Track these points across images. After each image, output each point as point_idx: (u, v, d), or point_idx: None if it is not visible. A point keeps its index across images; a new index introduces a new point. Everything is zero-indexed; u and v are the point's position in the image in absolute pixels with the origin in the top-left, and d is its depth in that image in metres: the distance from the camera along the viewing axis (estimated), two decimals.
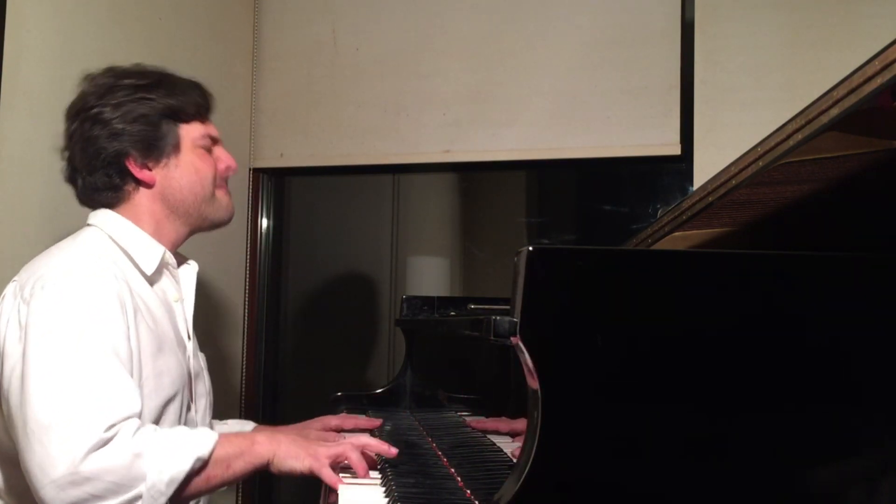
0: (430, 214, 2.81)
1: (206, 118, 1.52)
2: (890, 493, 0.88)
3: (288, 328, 2.87)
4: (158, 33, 2.25)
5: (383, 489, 1.22)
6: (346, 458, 1.29)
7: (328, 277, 2.85)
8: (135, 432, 1.17)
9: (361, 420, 1.75)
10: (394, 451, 1.32)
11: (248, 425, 1.73)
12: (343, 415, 1.74)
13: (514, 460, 0.97)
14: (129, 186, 1.44)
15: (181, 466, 1.17)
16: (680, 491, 0.87)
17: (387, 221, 2.80)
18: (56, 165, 1.85)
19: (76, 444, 1.12)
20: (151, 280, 1.43)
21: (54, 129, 1.84)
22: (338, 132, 2.71)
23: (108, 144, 1.40)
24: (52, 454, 1.12)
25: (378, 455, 1.35)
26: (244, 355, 2.72)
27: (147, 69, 1.51)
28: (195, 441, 1.21)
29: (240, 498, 2.69)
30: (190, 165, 1.46)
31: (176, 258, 1.52)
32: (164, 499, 1.16)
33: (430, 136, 2.62)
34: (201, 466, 1.20)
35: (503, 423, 1.51)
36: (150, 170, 1.43)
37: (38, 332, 1.21)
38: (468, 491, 1.18)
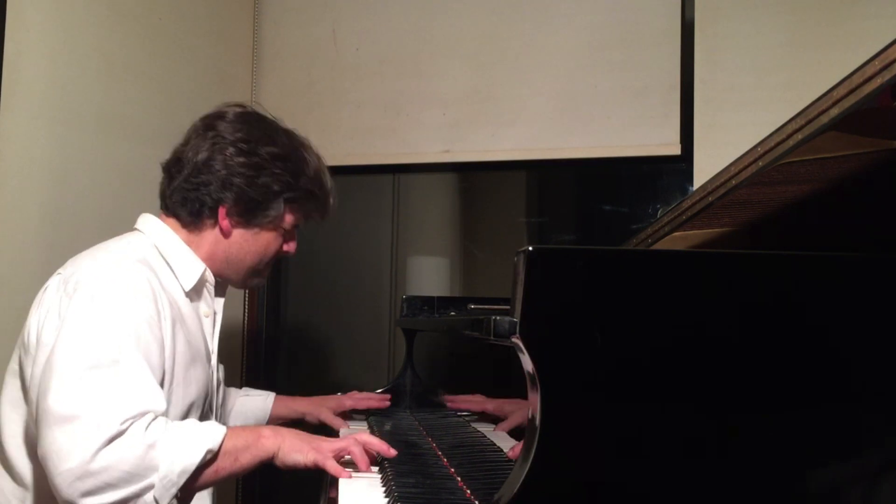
0: (430, 214, 2.81)
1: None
2: (890, 493, 0.88)
3: (288, 328, 2.87)
4: (158, 33, 2.25)
5: (383, 489, 1.22)
6: (348, 453, 1.33)
7: (328, 277, 2.84)
8: (148, 425, 1.19)
9: (374, 400, 1.84)
10: (392, 451, 1.35)
11: (270, 396, 1.83)
12: (353, 393, 1.80)
13: (515, 460, 0.97)
14: (209, 222, 1.46)
15: (193, 458, 1.20)
16: (680, 491, 0.87)
17: (387, 221, 2.80)
18: (56, 166, 1.85)
19: (89, 439, 1.14)
20: (189, 294, 1.45)
21: (54, 129, 1.85)
22: (338, 132, 2.72)
23: (216, 185, 1.43)
24: (66, 446, 1.15)
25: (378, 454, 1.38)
26: (244, 355, 2.72)
27: (297, 138, 1.53)
28: (206, 434, 1.24)
29: (240, 498, 2.69)
30: (265, 241, 1.50)
31: (219, 289, 1.55)
32: (175, 489, 1.18)
33: (430, 136, 2.62)
34: (211, 459, 1.23)
35: (476, 403, 1.53)
36: (233, 226, 1.46)
37: (70, 326, 1.23)
38: (468, 491, 1.18)
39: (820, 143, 0.89)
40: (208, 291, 1.50)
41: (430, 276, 2.78)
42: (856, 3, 2.16)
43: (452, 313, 2.05)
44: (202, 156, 1.43)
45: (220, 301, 1.55)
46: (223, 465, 1.25)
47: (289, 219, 1.50)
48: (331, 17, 2.75)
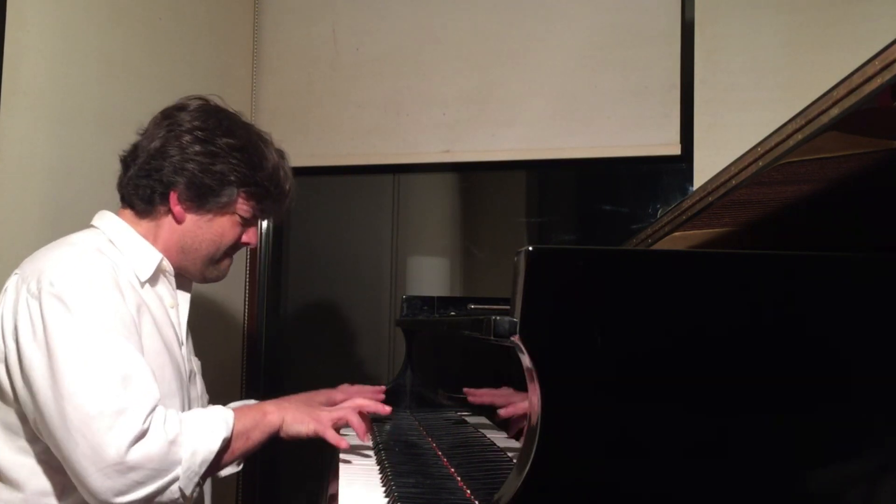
0: (430, 214, 2.81)
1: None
2: (890, 493, 0.88)
3: (288, 328, 2.87)
4: (158, 33, 2.25)
5: (383, 489, 1.22)
6: (346, 421, 1.43)
7: (328, 277, 2.84)
8: (164, 420, 1.24)
9: (367, 392, 1.81)
10: (387, 409, 1.47)
11: (251, 402, 1.80)
12: (344, 386, 1.79)
13: (515, 460, 0.97)
14: (162, 209, 1.46)
15: (211, 447, 1.27)
16: (680, 491, 0.87)
17: (387, 221, 2.80)
18: (56, 166, 1.86)
19: (121, 433, 1.19)
20: (148, 283, 1.45)
21: (54, 129, 1.85)
22: (338, 132, 2.72)
23: (169, 170, 1.43)
24: (97, 444, 1.18)
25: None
26: (244, 355, 2.72)
27: (257, 133, 1.54)
28: (219, 421, 1.30)
29: (240, 498, 2.69)
30: (220, 227, 1.49)
31: (181, 282, 1.55)
32: (197, 478, 1.25)
33: (430, 136, 2.62)
34: (226, 444, 1.31)
35: (500, 396, 1.52)
36: (185, 210, 1.46)
37: (59, 327, 1.23)
38: (468, 491, 1.18)
39: (820, 143, 0.89)
40: (168, 281, 1.50)
41: (430, 276, 2.78)
42: (855, 3, 2.16)
43: (452, 313, 2.05)
44: (157, 143, 1.44)
45: (186, 295, 1.55)
46: (237, 447, 1.33)
47: (243, 206, 1.49)
48: (331, 17, 2.75)
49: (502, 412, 1.48)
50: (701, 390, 0.88)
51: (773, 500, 0.88)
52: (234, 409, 1.36)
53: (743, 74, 2.26)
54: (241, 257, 2.72)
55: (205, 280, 1.55)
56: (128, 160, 1.48)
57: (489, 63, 2.58)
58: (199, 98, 1.51)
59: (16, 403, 1.29)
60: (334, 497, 1.22)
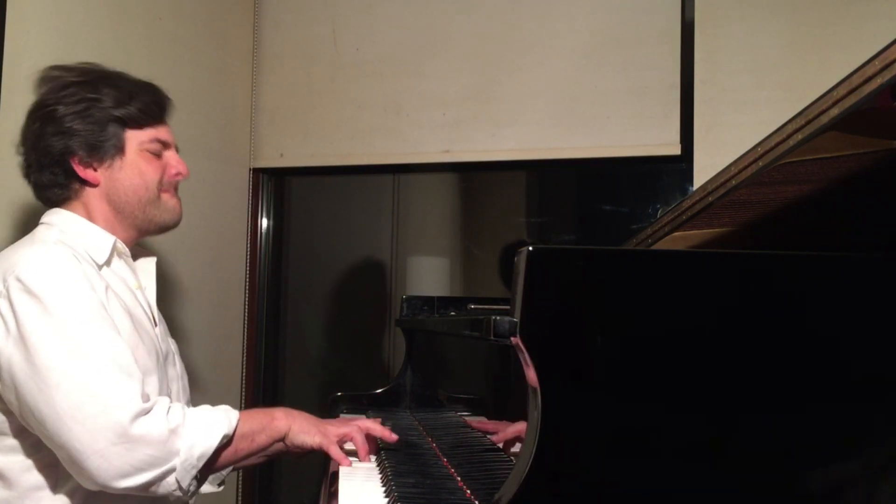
0: (430, 214, 2.81)
1: (160, 122, 1.52)
2: (890, 493, 0.88)
3: (288, 328, 2.87)
4: (158, 33, 2.25)
5: (383, 489, 1.22)
6: (351, 439, 1.43)
7: (328, 277, 2.85)
8: (168, 410, 1.27)
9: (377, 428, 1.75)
10: (394, 436, 1.45)
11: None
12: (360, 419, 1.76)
13: (515, 460, 0.97)
14: (76, 185, 1.46)
15: (210, 443, 1.28)
16: (680, 491, 0.87)
17: (387, 221, 2.80)
18: None
19: (120, 409, 1.21)
20: (105, 267, 1.44)
21: None
22: (338, 132, 2.72)
23: (55, 142, 1.42)
24: (91, 426, 1.19)
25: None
26: (244, 355, 2.72)
27: (100, 70, 1.52)
28: (221, 419, 1.31)
29: (240, 498, 2.69)
30: (134, 168, 1.47)
31: (138, 252, 1.55)
32: (195, 471, 1.26)
33: (430, 136, 2.62)
34: (227, 442, 1.32)
35: (503, 426, 1.51)
36: (94, 170, 1.45)
37: (32, 320, 1.24)
38: (468, 491, 1.18)
39: (820, 143, 0.89)
40: (127, 263, 1.49)
41: (430, 276, 2.78)
42: (855, 3, 2.16)
43: (452, 313, 2.05)
44: (34, 132, 1.44)
45: (151, 261, 1.55)
46: (241, 447, 1.35)
47: (135, 137, 1.47)
48: (331, 17, 2.75)
49: (494, 439, 1.48)
50: (701, 390, 0.88)
51: (773, 500, 0.88)
52: (243, 412, 1.37)
53: (743, 74, 2.26)
54: (241, 257, 2.72)
55: (161, 226, 1.52)
56: (27, 171, 1.48)
57: (489, 63, 2.58)
58: (36, 79, 1.50)
59: (0, 402, 1.29)
60: (334, 496, 1.22)
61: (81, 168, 1.44)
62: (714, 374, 0.88)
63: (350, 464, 1.38)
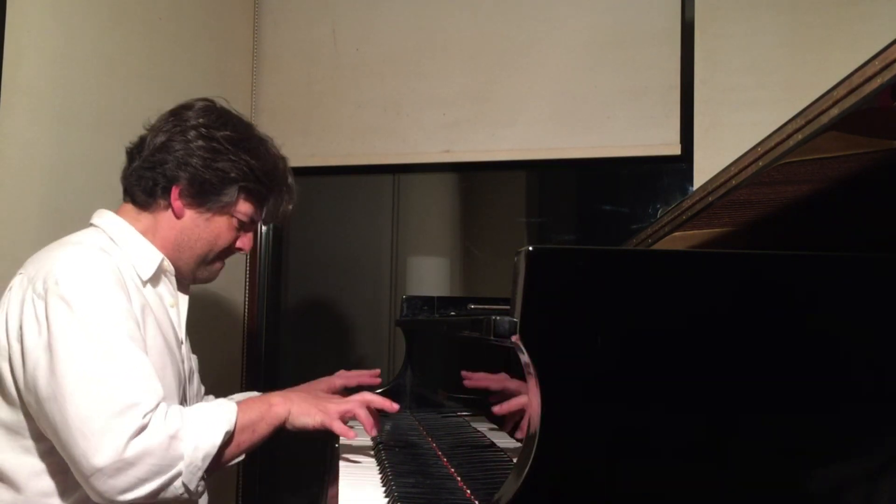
0: (430, 214, 2.81)
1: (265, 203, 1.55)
2: (890, 493, 0.88)
3: (288, 328, 2.87)
4: (158, 33, 2.25)
5: (383, 489, 1.22)
6: (353, 414, 1.41)
7: (328, 277, 2.84)
8: (165, 415, 1.24)
9: (364, 376, 1.80)
10: (395, 406, 1.43)
11: (253, 393, 1.80)
12: (342, 372, 1.78)
13: (515, 460, 0.97)
14: (162, 203, 1.47)
15: (213, 441, 1.26)
16: (680, 491, 0.87)
17: (387, 221, 2.80)
18: (56, 166, 1.86)
19: (118, 432, 1.19)
20: (149, 283, 1.46)
21: (54, 129, 1.85)
22: (338, 132, 2.71)
23: (173, 165, 1.44)
24: (95, 444, 1.18)
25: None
26: (244, 355, 2.72)
27: (258, 133, 1.55)
28: (221, 415, 1.30)
29: (240, 498, 2.69)
30: (217, 229, 1.50)
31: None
32: (200, 472, 1.25)
33: (430, 136, 2.62)
34: (229, 438, 1.30)
35: (495, 381, 1.51)
36: (185, 206, 1.47)
37: (63, 327, 1.24)
38: (468, 491, 1.18)
39: (820, 143, 0.89)
40: (169, 281, 1.50)
41: (430, 276, 2.78)
42: (855, 3, 2.16)
43: (452, 313, 2.05)
44: (161, 137, 1.45)
45: (185, 297, 1.56)
46: (243, 440, 1.33)
47: (243, 207, 1.50)
48: (331, 17, 2.75)
49: (496, 409, 1.48)
50: (701, 390, 0.88)
51: (773, 500, 0.88)
52: (239, 403, 1.36)
53: (743, 74, 2.26)
54: (241, 257, 2.72)
55: (195, 280, 1.55)
56: (133, 152, 1.49)
57: (489, 63, 2.58)
58: (206, 99, 1.53)
59: (20, 402, 1.29)
60: (334, 497, 1.22)
61: (176, 196, 1.46)
62: (714, 375, 0.88)
63: (355, 435, 1.37)
